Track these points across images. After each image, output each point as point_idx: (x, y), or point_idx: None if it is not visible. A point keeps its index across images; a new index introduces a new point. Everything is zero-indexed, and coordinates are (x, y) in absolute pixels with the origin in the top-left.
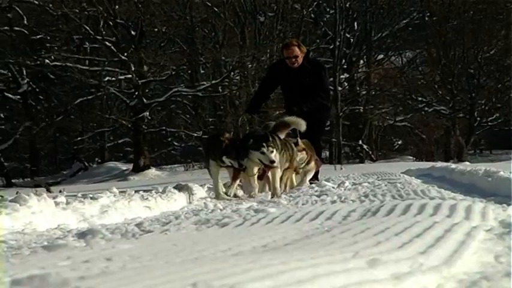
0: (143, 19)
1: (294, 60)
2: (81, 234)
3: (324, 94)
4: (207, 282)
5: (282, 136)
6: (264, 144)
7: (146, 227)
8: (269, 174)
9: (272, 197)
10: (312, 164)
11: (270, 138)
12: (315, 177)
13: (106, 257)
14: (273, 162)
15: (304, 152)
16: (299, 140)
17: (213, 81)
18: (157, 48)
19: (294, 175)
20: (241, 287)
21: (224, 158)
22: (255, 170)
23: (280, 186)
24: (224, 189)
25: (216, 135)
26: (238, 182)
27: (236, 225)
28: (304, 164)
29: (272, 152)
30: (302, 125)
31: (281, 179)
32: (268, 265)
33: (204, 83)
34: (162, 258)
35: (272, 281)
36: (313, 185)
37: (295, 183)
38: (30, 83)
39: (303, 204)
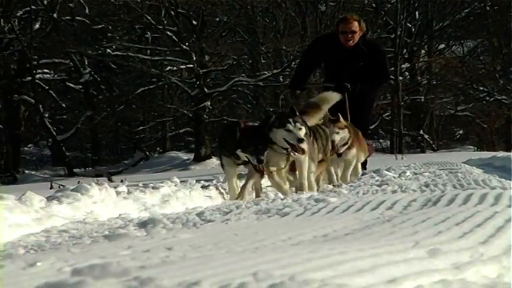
0: (204, 8)
1: (350, 36)
2: (142, 224)
3: (385, 80)
4: (268, 271)
5: (312, 122)
6: (291, 119)
7: (207, 217)
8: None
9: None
10: (353, 151)
11: (297, 114)
12: (363, 165)
13: (167, 247)
14: (301, 141)
15: (346, 131)
16: (340, 116)
17: (274, 71)
18: (218, 38)
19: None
20: (301, 276)
21: (239, 152)
22: (282, 162)
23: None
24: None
25: (230, 126)
26: (252, 183)
27: (296, 215)
28: (344, 148)
29: (301, 129)
30: (335, 99)
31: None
32: (328, 255)
33: (265, 72)
34: (222, 248)
35: (332, 270)
36: (374, 175)
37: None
38: (92, 72)
39: (363, 194)
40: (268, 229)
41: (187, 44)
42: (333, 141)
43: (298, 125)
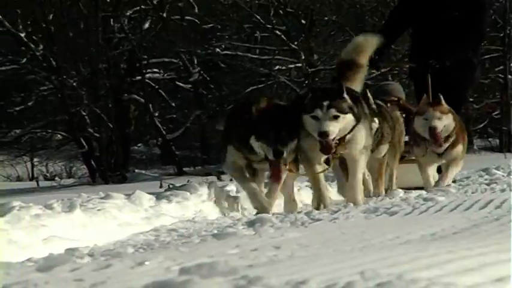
0: (313, 8)
1: None
2: (251, 223)
3: (478, 41)
4: (375, 270)
5: (357, 87)
6: (325, 103)
7: (315, 216)
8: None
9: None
10: (460, 147)
11: (345, 95)
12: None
13: (274, 246)
14: (323, 134)
15: (450, 117)
16: (441, 98)
17: (382, 70)
18: (327, 37)
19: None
20: (408, 275)
21: (252, 141)
22: (323, 161)
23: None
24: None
25: (242, 106)
26: (279, 188)
27: (405, 214)
28: (447, 145)
29: (336, 118)
30: (370, 42)
31: (379, 172)
32: (436, 254)
33: (373, 71)
34: (330, 247)
35: (439, 269)
36: (483, 173)
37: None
38: (201, 71)
39: (472, 193)
40: (376, 228)
41: (296, 43)
42: (433, 129)
43: (332, 111)
